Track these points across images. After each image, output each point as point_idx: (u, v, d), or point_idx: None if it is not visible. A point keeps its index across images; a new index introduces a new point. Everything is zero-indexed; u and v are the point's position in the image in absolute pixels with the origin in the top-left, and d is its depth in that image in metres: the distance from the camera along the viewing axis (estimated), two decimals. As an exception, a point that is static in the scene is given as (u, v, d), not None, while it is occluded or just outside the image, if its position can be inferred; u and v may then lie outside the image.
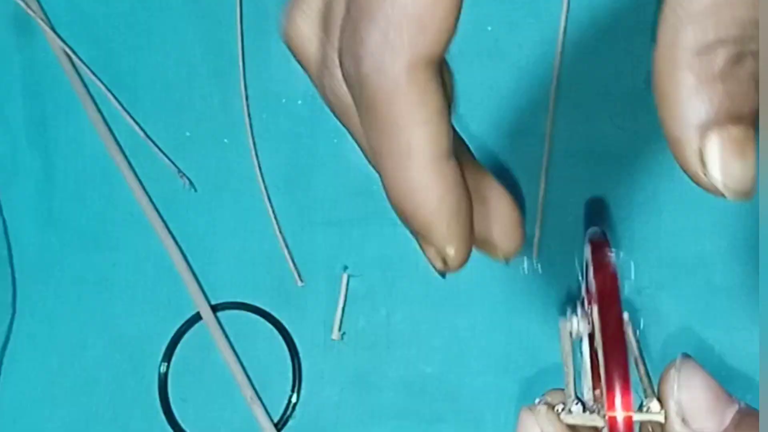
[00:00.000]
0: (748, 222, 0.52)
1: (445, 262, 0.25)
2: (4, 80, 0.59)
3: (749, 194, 0.23)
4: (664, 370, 0.27)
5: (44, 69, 0.59)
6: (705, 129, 0.22)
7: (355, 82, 0.24)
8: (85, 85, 0.58)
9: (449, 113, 0.24)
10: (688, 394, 0.26)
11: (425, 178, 0.24)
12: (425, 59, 0.23)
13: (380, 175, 0.25)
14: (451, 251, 0.25)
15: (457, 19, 0.23)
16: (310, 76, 0.28)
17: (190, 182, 0.57)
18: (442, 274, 0.26)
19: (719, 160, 0.23)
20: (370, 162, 0.26)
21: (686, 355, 0.27)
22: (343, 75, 0.25)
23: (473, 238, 0.26)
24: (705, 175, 0.23)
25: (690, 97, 0.22)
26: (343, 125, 0.27)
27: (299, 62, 0.28)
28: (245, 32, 0.57)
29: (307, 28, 0.27)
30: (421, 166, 0.24)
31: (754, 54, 0.22)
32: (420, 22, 0.22)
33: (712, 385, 0.26)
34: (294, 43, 0.28)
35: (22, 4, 0.58)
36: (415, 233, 0.25)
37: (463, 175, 0.25)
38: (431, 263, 0.26)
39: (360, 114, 0.24)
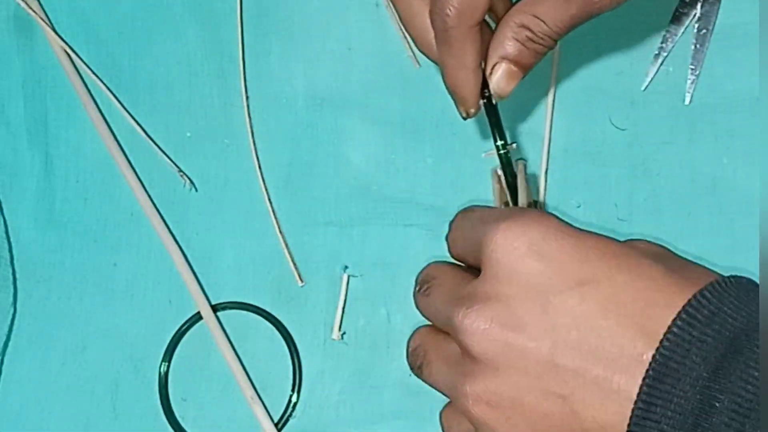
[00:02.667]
0: (748, 222, 0.52)
1: (466, 115, 0.46)
2: (5, 80, 0.59)
3: (502, 98, 0.46)
4: None
5: (45, 69, 0.59)
6: (501, 58, 0.44)
7: (439, 25, 0.43)
8: (86, 85, 0.58)
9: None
10: None
11: (468, 79, 0.45)
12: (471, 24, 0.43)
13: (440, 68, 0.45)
14: (471, 112, 0.46)
15: None
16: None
17: (191, 182, 0.57)
18: (464, 118, 0.47)
19: (497, 77, 0.45)
20: (421, 51, 0.46)
21: None
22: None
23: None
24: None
25: (503, 42, 0.44)
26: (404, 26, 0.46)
27: None
28: (246, 33, 0.57)
29: None
30: (467, 74, 0.45)
31: (540, 45, 0.43)
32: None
33: None
34: None
35: (23, 5, 0.58)
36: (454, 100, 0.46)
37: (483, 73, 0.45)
38: (458, 112, 0.47)
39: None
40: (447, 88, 0.46)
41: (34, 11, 0.58)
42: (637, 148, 0.53)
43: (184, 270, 0.56)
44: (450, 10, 0.42)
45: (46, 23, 0.58)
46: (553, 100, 0.54)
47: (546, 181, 0.54)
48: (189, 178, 0.57)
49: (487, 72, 0.44)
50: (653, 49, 0.53)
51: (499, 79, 0.44)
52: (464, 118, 0.46)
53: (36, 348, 0.58)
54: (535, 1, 0.43)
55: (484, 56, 0.44)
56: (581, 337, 0.36)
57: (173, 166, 0.57)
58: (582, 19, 0.42)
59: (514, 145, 0.47)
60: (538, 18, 0.42)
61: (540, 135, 0.54)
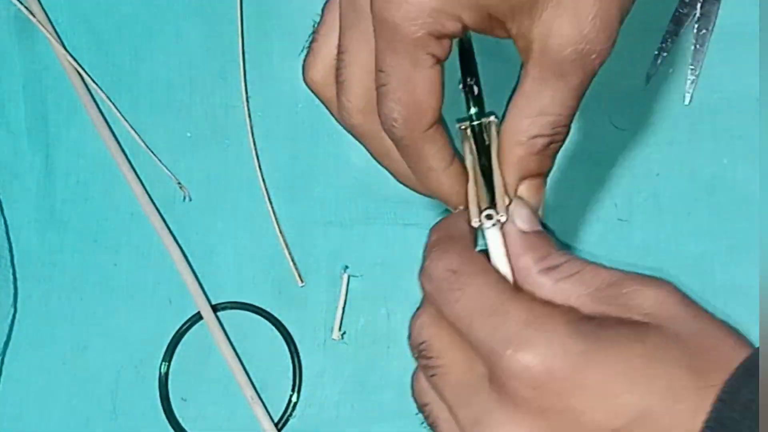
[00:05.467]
0: (748, 222, 0.52)
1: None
2: (5, 80, 0.59)
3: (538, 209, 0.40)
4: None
5: (45, 69, 0.59)
6: (522, 178, 0.40)
7: (390, 135, 0.39)
8: (86, 86, 0.58)
9: (448, 139, 0.40)
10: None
11: (443, 179, 0.40)
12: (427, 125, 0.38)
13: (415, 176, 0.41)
14: (460, 207, 0.40)
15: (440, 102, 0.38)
16: (329, 109, 0.41)
17: (189, 195, 0.57)
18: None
19: (530, 197, 0.40)
20: (403, 184, 0.42)
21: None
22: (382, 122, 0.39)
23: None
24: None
25: (519, 161, 0.39)
26: (357, 139, 0.41)
27: (319, 99, 0.41)
28: (246, 33, 0.57)
29: (321, 79, 0.40)
30: (439, 176, 0.40)
31: (558, 141, 0.39)
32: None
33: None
34: (313, 88, 0.41)
35: (24, 11, 0.58)
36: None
37: (461, 166, 0.40)
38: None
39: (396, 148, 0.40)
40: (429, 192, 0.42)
41: (34, 15, 0.58)
42: (637, 148, 0.53)
43: (184, 270, 0.56)
44: (395, 120, 0.38)
45: (48, 27, 0.58)
46: (553, 100, 0.54)
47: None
48: (184, 187, 0.57)
49: (511, 192, 0.39)
50: (653, 49, 0.53)
51: (533, 197, 0.40)
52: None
53: (36, 348, 0.58)
54: (532, 100, 0.38)
55: (451, 153, 0.40)
56: None
57: (172, 176, 0.57)
58: (584, 84, 0.38)
59: (492, 117, 0.41)
60: (546, 114, 0.38)
61: (540, 135, 0.54)
